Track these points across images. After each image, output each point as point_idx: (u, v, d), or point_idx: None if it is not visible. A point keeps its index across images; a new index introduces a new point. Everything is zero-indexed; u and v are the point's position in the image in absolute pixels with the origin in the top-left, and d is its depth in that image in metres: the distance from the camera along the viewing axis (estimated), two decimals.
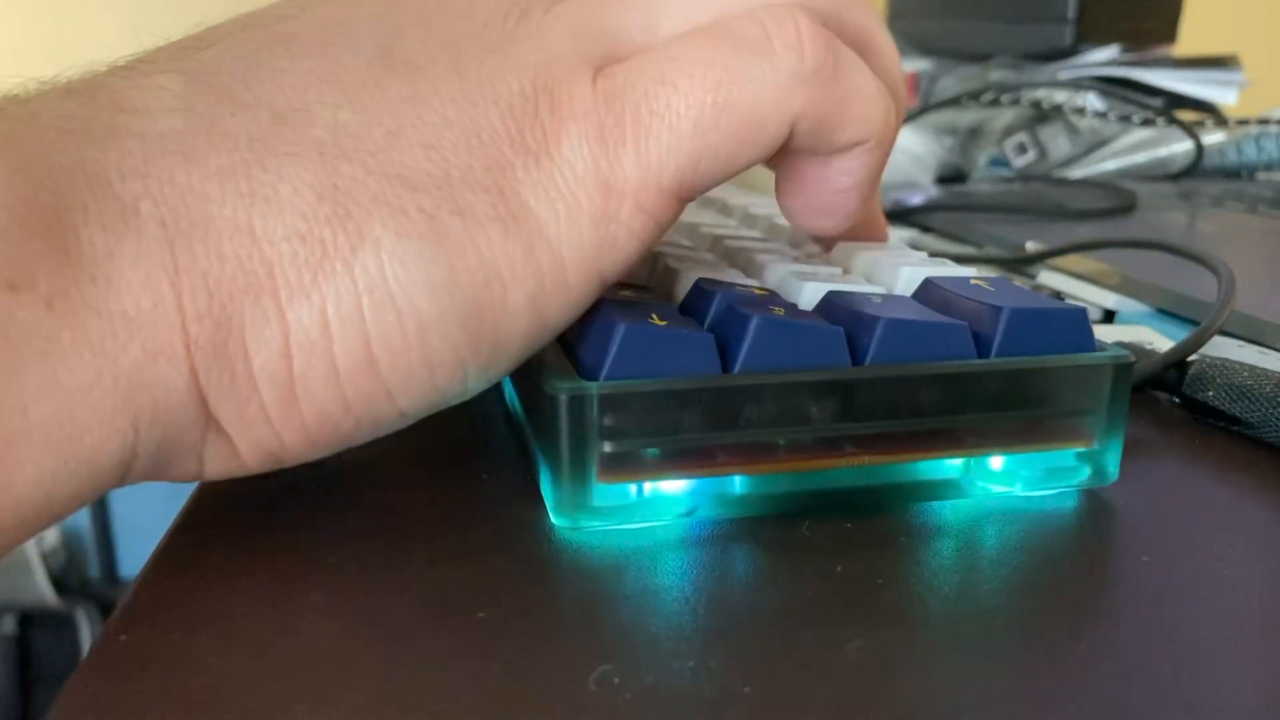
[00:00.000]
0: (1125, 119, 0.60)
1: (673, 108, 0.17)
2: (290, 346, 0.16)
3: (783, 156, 0.20)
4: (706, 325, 0.19)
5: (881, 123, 0.19)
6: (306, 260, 0.16)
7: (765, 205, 0.32)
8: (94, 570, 1.18)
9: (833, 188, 0.20)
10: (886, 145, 0.19)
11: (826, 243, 0.26)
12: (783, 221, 0.29)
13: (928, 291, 0.21)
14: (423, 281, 0.16)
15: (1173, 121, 0.59)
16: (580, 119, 0.17)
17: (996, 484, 0.20)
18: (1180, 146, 0.61)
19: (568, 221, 0.17)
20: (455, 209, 0.17)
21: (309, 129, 0.17)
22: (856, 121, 0.18)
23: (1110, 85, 0.64)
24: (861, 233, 0.25)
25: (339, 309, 0.16)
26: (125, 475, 0.16)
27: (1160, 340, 0.28)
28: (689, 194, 0.18)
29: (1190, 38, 0.71)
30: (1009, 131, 0.62)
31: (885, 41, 0.21)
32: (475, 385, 0.18)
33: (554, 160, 0.17)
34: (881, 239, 0.26)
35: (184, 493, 0.20)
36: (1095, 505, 0.20)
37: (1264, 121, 0.61)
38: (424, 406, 0.18)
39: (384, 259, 0.16)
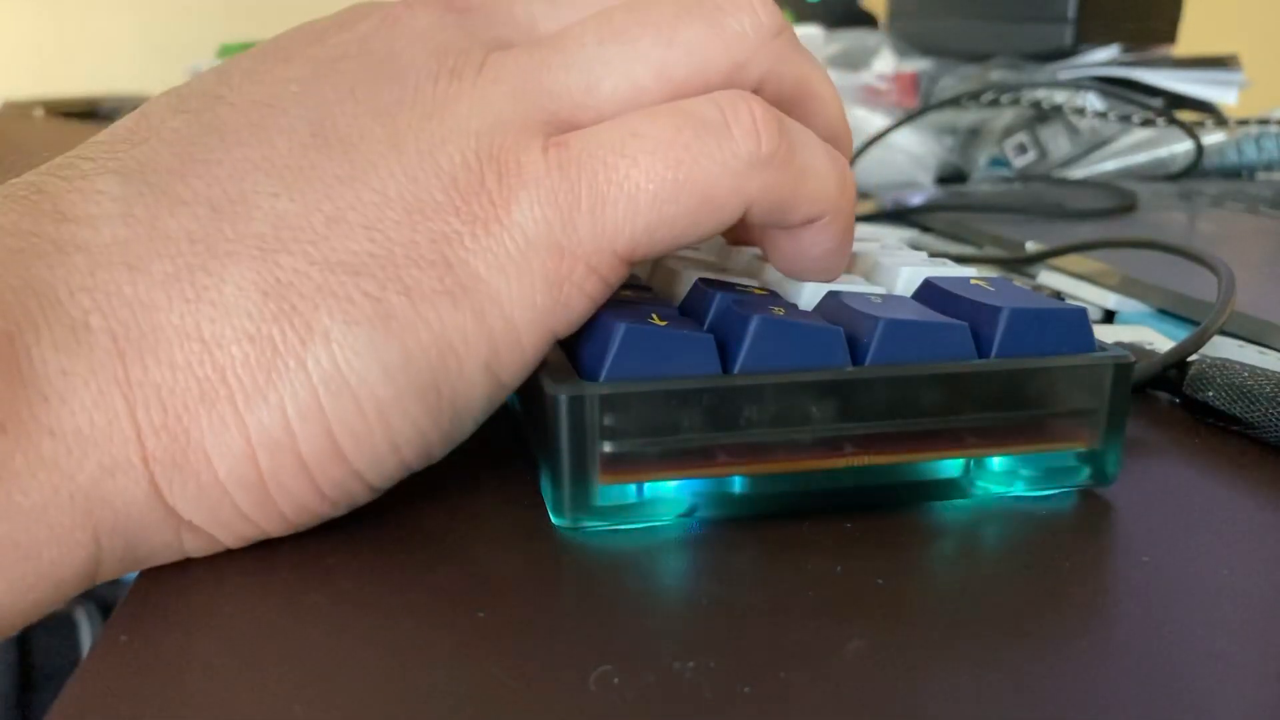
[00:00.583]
0: (1125, 119, 0.60)
1: (632, 179, 0.17)
2: (254, 449, 0.16)
3: (755, 228, 0.20)
4: (706, 325, 0.19)
5: (835, 198, 0.19)
6: (258, 361, 0.16)
7: None
8: None
9: (809, 255, 0.20)
10: (845, 215, 0.20)
11: None
12: None
13: (928, 291, 0.21)
14: (377, 366, 0.16)
15: (1173, 121, 0.59)
16: (532, 185, 0.17)
17: (996, 484, 0.20)
18: (1180, 146, 0.61)
19: (519, 285, 0.17)
20: (401, 288, 0.17)
21: (248, 222, 0.17)
22: (810, 200, 0.19)
23: (1110, 85, 0.64)
24: None
25: (297, 405, 0.16)
26: (93, 578, 0.16)
27: (1160, 340, 0.28)
28: (640, 260, 0.18)
29: (1190, 38, 0.71)
30: (1009, 131, 0.62)
31: (825, 89, 0.21)
32: (440, 451, 0.18)
33: (504, 225, 0.17)
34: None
35: None
36: (1095, 505, 0.20)
37: (1264, 121, 0.61)
38: (394, 479, 0.18)
39: (335, 349, 0.16)
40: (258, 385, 0.16)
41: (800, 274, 0.21)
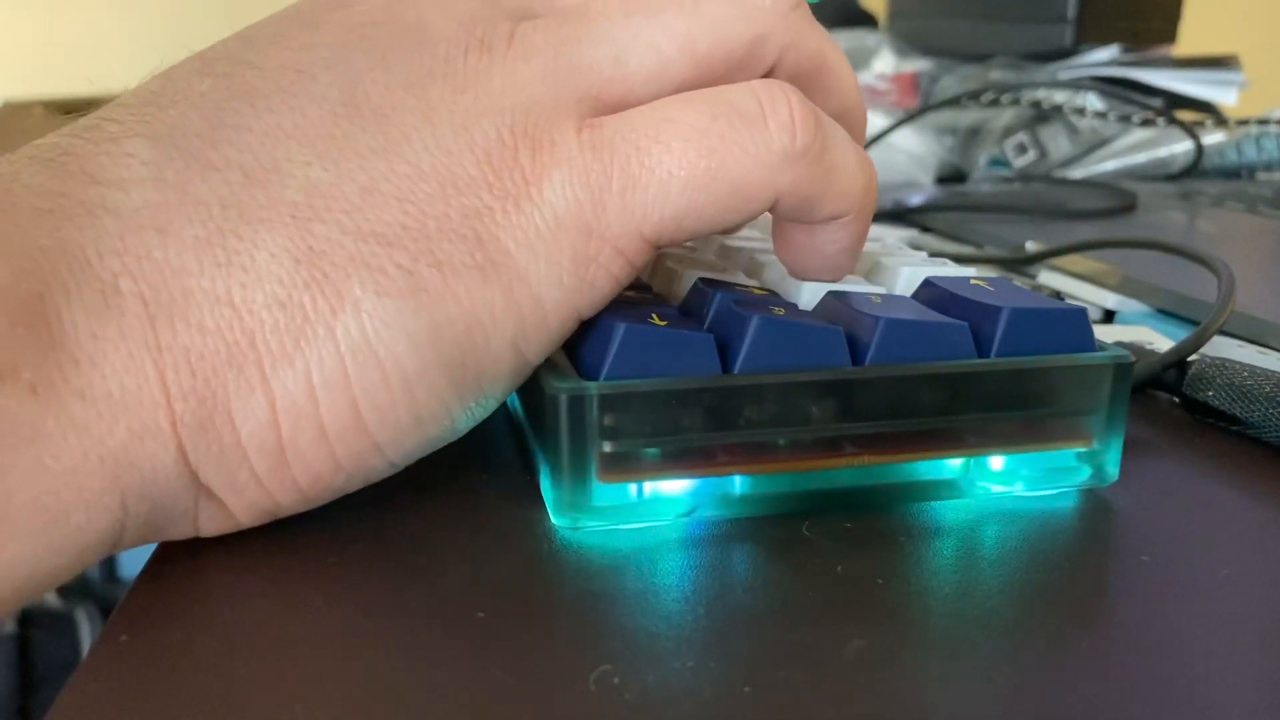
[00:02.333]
0: (1125, 119, 0.60)
1: (664, 164, 0.17)
2: (277, 414, 0.16)
3: (774, 221, 0.20)
4: (706, 325, 0.19)
5: (860, 198, 0.19)
6: (288, 327, 0.16)
7: None
8: (94, 570, 1.18)
9: (822, 253, 0.20)
10: (866, 216, 0.20)
11: None
12: None
13: (928, 291, 0.21)
14: (405, 338, 0.16)
15: (1173, 121, 0.59)
16: (564, 165, 0.17)
17: (996, 484, 0.20)
18: (1180, 146, 0.61)
19: (547, 263, 0.17)
20: (432, 261, 0.17)
21: (281, 190, 0.17)
22: (837, 198, 0.19)
23: (1110, 85, 0.64)
24: None
25: (323, 373, 0.16)
26: (115, 545, 0.16)
27: (1160, 340, 0.28)
28: (666, 244, 0.18)
29: (1190, 38, 0.71)
30: (1009, 131, 0.62)
31: (842, 64, 0.21)
32: (463, 427, 0.18)
33: (534, 203, 0.17)
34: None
35: None
36: (1095, 505, 0.20)
37: (1264, 121, 0.61)
38: (414, 454, 0.18)
39: (365, 320, 0.16)
40: (285, 351, 0.16)
41: (809, 271, 0.21)
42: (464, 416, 0.18)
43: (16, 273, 0.15)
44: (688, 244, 0.26)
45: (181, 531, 0.17)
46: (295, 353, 0.16)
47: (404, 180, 0.17)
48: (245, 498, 0.17)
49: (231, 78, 0.18)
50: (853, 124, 0.21)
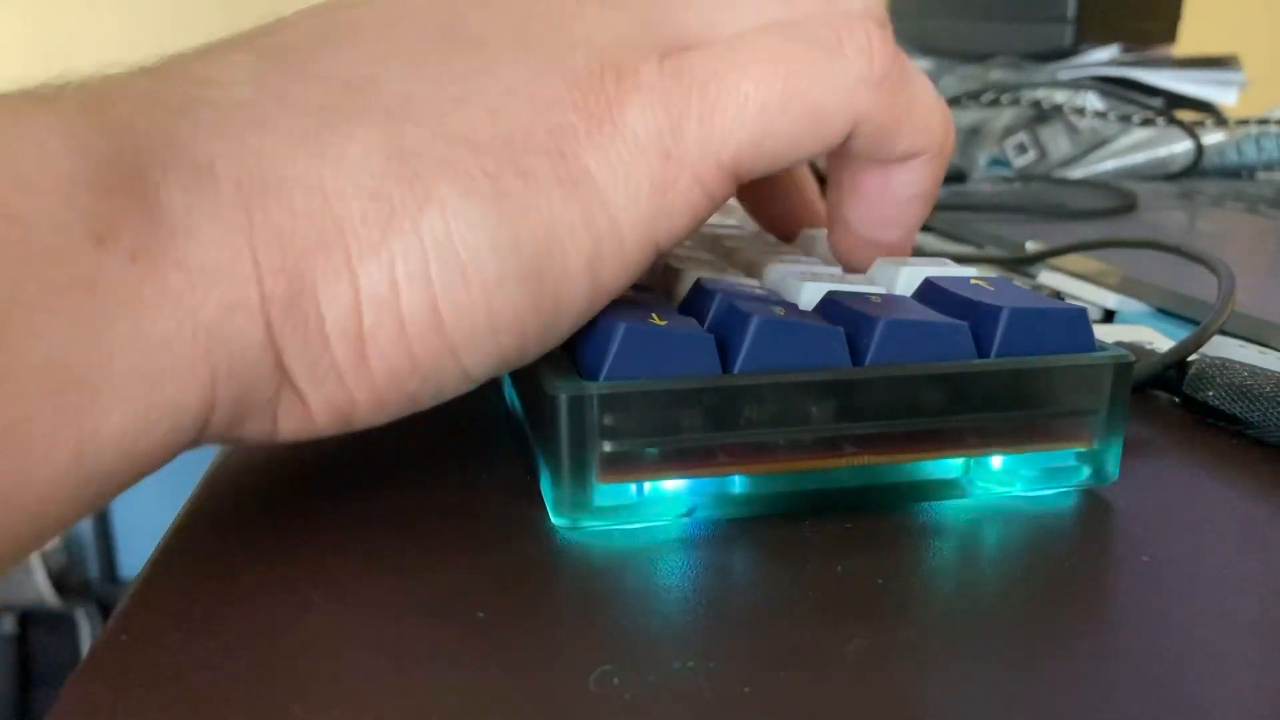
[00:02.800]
0: (1125, 119, 0.60)
1: (741, 88, 0.18)
2: (360, 303, 0.16)
3: (844, 166, 0.20)
4: (706, 325, 0.19)
5: (940, 135, 0.20)
6: (375, 218, 0.16)
7: None
8: (94, 570, 1.18)
9: (895, 198, 0.20)
10: (945, 157, 0.20)
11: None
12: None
13: (928, 291, 0.21)
14: (487, 241, 0.17)
15: (1173, 121, 0.59)
16: (646, 91, 0.18)
17: (996, 484, 0.20)
18: (1180, 146, 0.61)
19: (626, 187, 0.18)
20: (518, 171, 0.17)
21: (377, 97, 0.17)
22: (916, 131, 0.19)
23: (1110, 85, 0.64)
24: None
25: (407, 267, 0.16)
26: (203, 430, 0.16)
27: (1160, 340, 0.28)
28: (746, 175, 0.18)
29: (1190, 38, 0.71)
30: (1009, 131, 0.62)
31: (928, 88, 0.21)
32: (535, 348, 0.18)
33: (616, 126, 0.18)
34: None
35: (183, 493, 0.20)
36: (1095, 505, 0.20)
37: (1264, 121, 0.61)
38: (487, 367, 0.18)
39: (449, 219, 0.16)
40: (372, 241, 0.16)
41: (877, 223, 0.21)
42: (536, 336, 0.18)
43: (119, 148, 0.15)
44: (686, 243, 0.26)
45: (262, 427, 0.17)
46: (381, 244, 0.16)
47: (496, 95, 0.17)
48: (324, 389, 0.17)
49: (337, 14, 0.19)
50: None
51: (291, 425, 0.17)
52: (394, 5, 0.19)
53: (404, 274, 0.16)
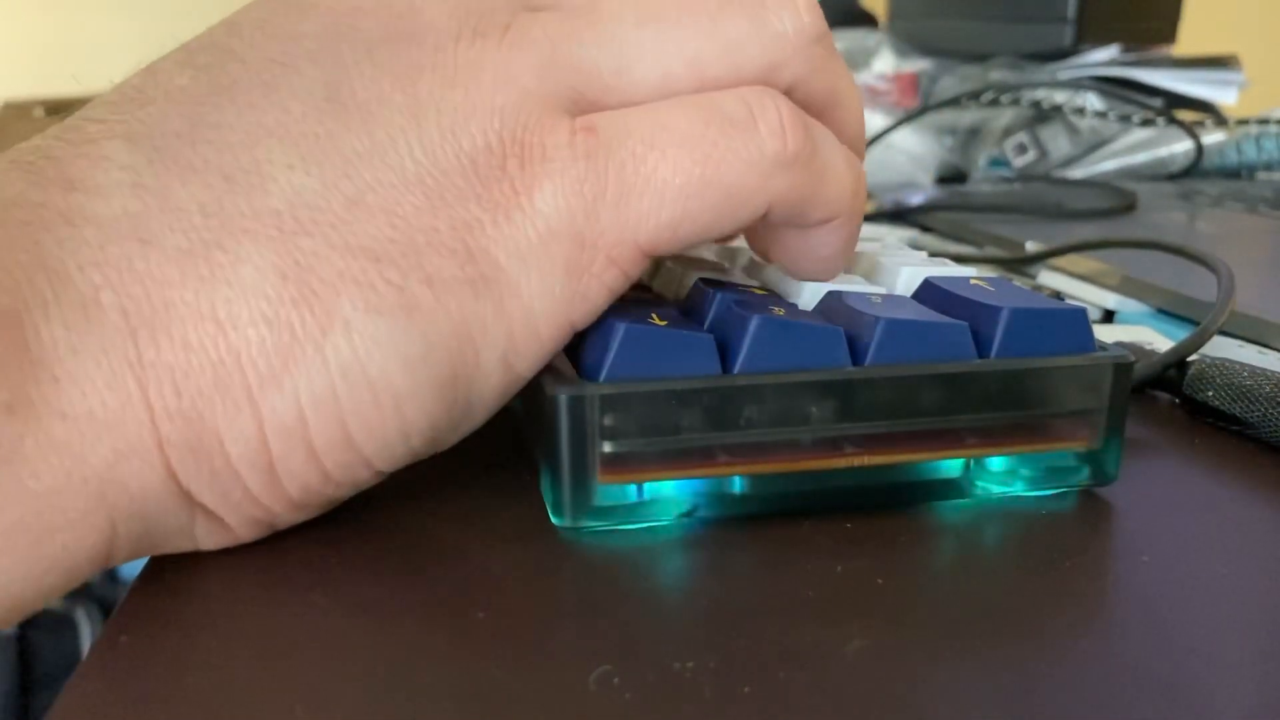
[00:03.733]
0: (1125, 119, 0.60)
1: (659, 172, 0.17)
2: (266, 435, 0.16)
3: (765, 227, 0.20)
4: (706, 325, 0.19)
5: (850, 200, 0.19)
6: (275, 346, 0.16)
7: None
8: None
9: (816, 255, 0.20)
10: (857, 217, 0.20)
11: None
12: None
13: (928, 291, 0.21)
14: (397, 357, 0.16)
15: (1173, 121, 0.59)
16: (556, 174, 0.17)
17: (996, 484, 0.20)
18: (1180, 146, 0.61)
19: (539, 275, 0.17)
20: (423, 277, 0.16)
21: (264, 197, 0.16)
22: (828, 202, 0.19)
23: (1110, 85, 0.64)
24: None
25: (312, 393, 0.16)
26: (108, 561, 0.16)
27: (1160, 340, 0.28)
28: (660, 253, 0.18)
29: (1190, 38, 0.71)
30: (1009, 131, 0.62)
31: (851, 97, 0.20)
32: (449, 441, 0.18)
33: (525, 213, 0.17)
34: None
35: None
36: (1095, 505, 0.20)
37: (1264, 121, 0.61)
38: (401, 464, 0.18)
39: (355, 339, 0.16)
40: (274, 371, 0.16)
41: (803, 272, 0.21)
42: (449, 431, 0.18)
43: None
44: None
45: (180, 546, 0.17)
46: (284, 373, 0.16)
47: (390, 191, 0.16)
48: (241, 512, 0.17)
49: (213, 70, 0.17)
50: (854, 154, 0.21)
51: (213, 541, 0.17)
52: (271, 56, 0.17)
53: (309, 401, 0.16)
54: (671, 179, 0.17)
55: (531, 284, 0.17)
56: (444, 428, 0.17)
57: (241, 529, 0.17)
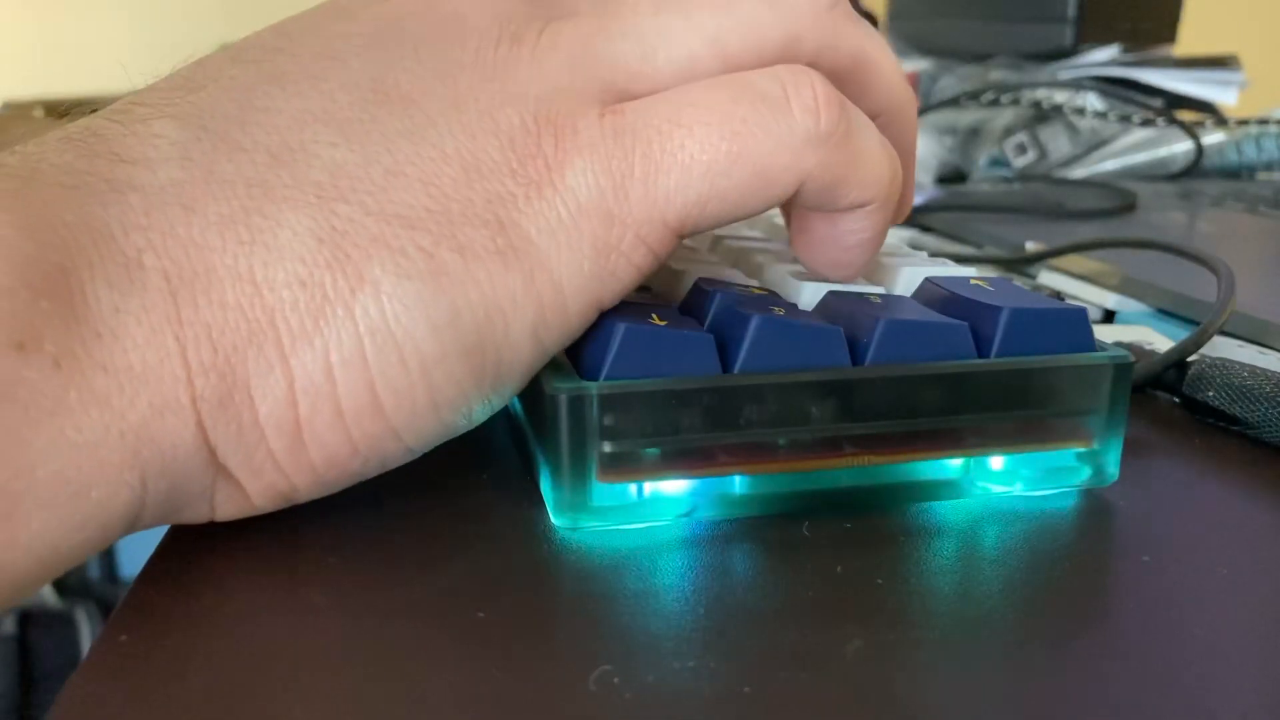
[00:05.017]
0: (1125, 119, 0.60)
1: (686, 149, 0.17)
2: (295, 393, 0.16)
3: (794, 211, 0.20)
4: (706, 325, 0.19)
5: (886, 185, 0.19)
6: (307, 306, 0.16)
7: None
8: (94, 570, 1.18)
9: (842, 245, 0.20)
10: (891, 206, 0.20)
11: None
12: (782, 221, 0.29)
13: (928, 291, 0.21)
14: (424, 321, 0.16)
15: (1173, 121, 0.59)
16: (587, 151, 0.17)
17: (996, 484, 0.20)
18: (1180, 146, 0.61)
19: (568, 251, 0.17)
20: (454, 245, 0.17)
21: (307, 170, 0.17)
22: (862, 185, 0.19)
23: (1110, 85, 0.64)
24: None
25: (342, 353, 0.16)
26: (134, 523, 0.16)
27: (1160, 340, 0.28)
28: (690, 232, 0.18)
29: (1190, 38, 0.71)
30: (1009, 131, 0.62)
31: (883, 58, 0.21)
32: (480, 415, 0.18)
33: (557, 190, 0.17)
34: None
35: None
36: (1095, 505, 0.20)
37: (1264, 121, 0.61)
38: (430, 441, 0.18)
39: (384, 301, 0.16)
40: (305, 330, 0.16)
41: (827, 265, 0.20)
42: (481, 405, 0.18)
43: (42, 246, 0.15)
44: (686, 243, 0.26)
45: (198, 513, 0.17)
46: (314, 331, 0.16)
47: (428, 164, 0.17)
48: (262, 479, 0.17)
49: (263, 64, 0.18)
50: (902, 120, 0.21)
51: (229, 509, 0.17)
52: (320, 52, 0.18)
53: (339, 361, 0.16)
54: (699, 156, 0.17)
55: (561, 259, 0.17)
56: (474, 400, 0.17)
57: (259, 498, 0.17)
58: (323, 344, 0.16)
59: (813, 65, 0.19)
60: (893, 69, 0.21)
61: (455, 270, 0.17)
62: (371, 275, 0.16)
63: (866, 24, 0.20)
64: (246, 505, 0.17)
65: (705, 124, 0.17)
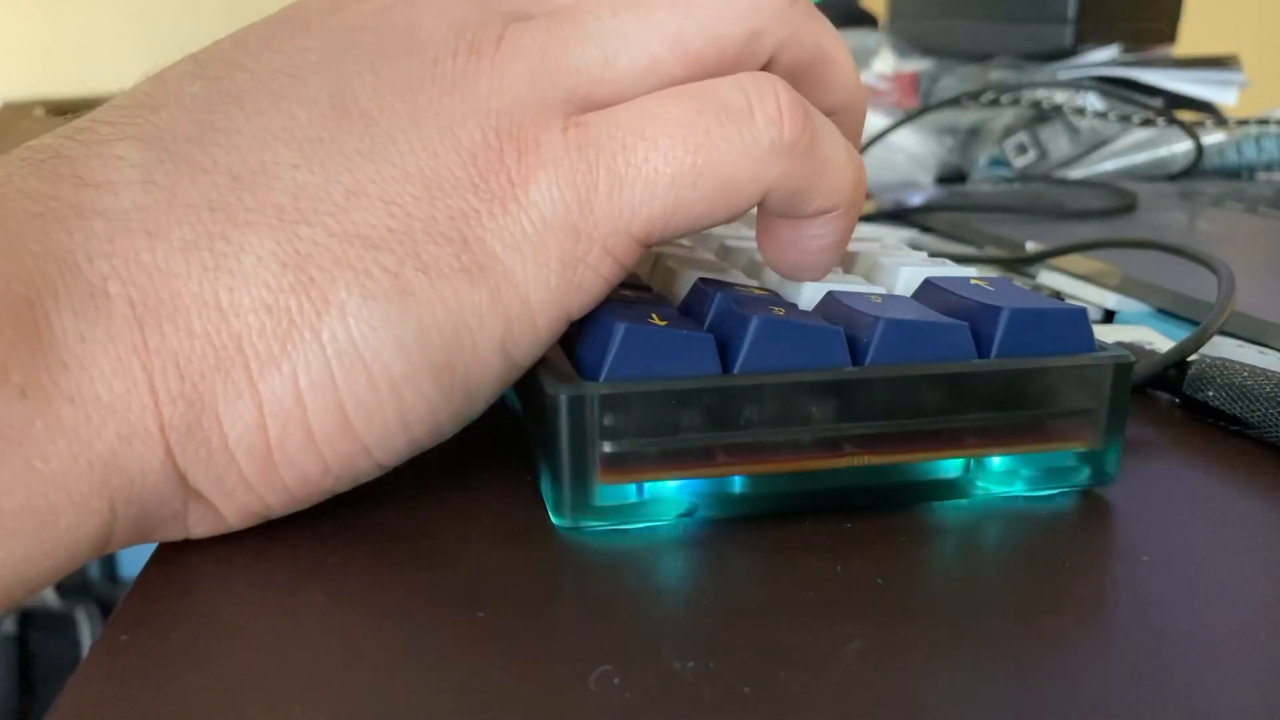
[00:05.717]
0: (1125, 119, 0.60)
1: (650, 162, 0.17)
2: (265, 417, 0.16)
3: (759, 214, 0.20)
4: (706, 325, 0.19)
5: (850, 192, 0.19)
6: (274, 331, 0.16)
7: None
8: (94, 570, 1.18)
9: (807, 248, 0.20)
10: (856, 211, 0.19)
11: None
12: None
13: (928, 291, 0.21)
14: (392, 342, 0.16)
15: (1173, 121, 0.59)
16: (550, 166, 0.17)
17: (996, 484, 0.20)
18: (1180, 146, 0.61)
19: (534, 266, 0.17)
20: (419, 264, 0.17)
21: (268, 192, 0.17)
22: (825, 193, 0.19)
23: (1110, 85, 0.64)
24: None
25: (310, 377, 0.16)
26: (104, 547, 0.16)
27: (1160, 340, 0.28)
28: (655, 242, 0.18)
29: (1190, 38, 0.71)
30: (1009, 131, 0.62)
31: (841, 55, 0.20)
32: (450, 430, 0.18)
33: (521, 205, 0.17)
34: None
35: None
36: (1095, 505, 0.20)
37: (1264, 121, 0.61)
38: (401, 457, 0.18)
39: (350, 323, 0.16)
40: (273, 355, 0.16)
41: (793, 268, 0.20)
42: (450, 420, 0.18)
43: (7, 277, 0.15)
44: (685, 243, 0.26)
45: (172, 533, 0.17)
46: (282, 356, 0.16)
47: (390, 183, 0.17)
48: (234, 500, 0.17)
49: (222, 80, 0.18)
50: (852, 119, 0.21)
51: (204, 529, 0.17)
52: (278, 68, 0.18)
53: (308, 385, 0.16)
54: (664, 169, 0.17)
55: (527, 274, 0.17)
56: (444, 416, 0.17)
57: (233, 517, 0.17)
58: (291, 368, 0.16)
59: (774, 60, 0.19)
60: (849, 64, 0.21)
61: (421, 289, 0.16)
62: (337, 298, 0.16)
63: (825, 19, 0.20)
64: (221, 524, 0.17)
65: (669, 137, 0.17)
